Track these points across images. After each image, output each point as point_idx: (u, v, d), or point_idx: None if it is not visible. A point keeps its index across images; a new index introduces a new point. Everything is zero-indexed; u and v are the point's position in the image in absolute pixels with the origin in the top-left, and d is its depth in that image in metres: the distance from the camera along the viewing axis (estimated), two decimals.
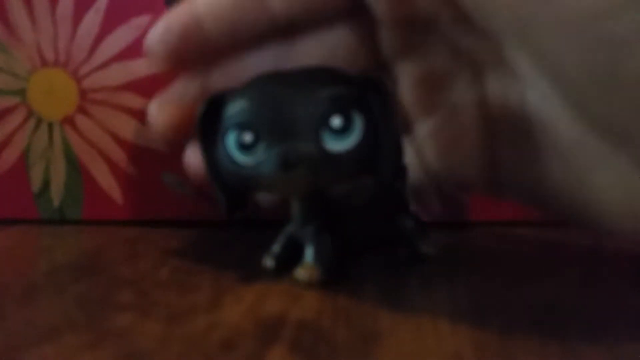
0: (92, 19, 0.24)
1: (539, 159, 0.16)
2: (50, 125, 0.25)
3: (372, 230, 0.19)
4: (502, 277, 0.18)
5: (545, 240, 0.22)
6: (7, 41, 0.25)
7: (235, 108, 0.15)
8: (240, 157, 0.15)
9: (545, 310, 0.15)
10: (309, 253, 0.17)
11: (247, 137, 0.15)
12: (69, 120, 0.25)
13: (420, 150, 0.19)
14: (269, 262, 0.18)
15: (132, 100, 0.25)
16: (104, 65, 0.24)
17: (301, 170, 0.14)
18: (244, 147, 0.15)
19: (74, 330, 0.14)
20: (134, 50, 0.24)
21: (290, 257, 0.18)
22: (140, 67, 0.24)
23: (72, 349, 0.13)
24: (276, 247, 0.18)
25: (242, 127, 0.15)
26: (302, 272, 0.17)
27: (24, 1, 0.24)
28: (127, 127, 0.25)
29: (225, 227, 0.24)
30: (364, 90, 0.15)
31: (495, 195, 0.19)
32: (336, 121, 0.14)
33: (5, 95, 0.25)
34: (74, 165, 0.26)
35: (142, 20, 0.24)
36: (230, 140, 0.15)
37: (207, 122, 0.16)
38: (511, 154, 0.17)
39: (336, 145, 0.15)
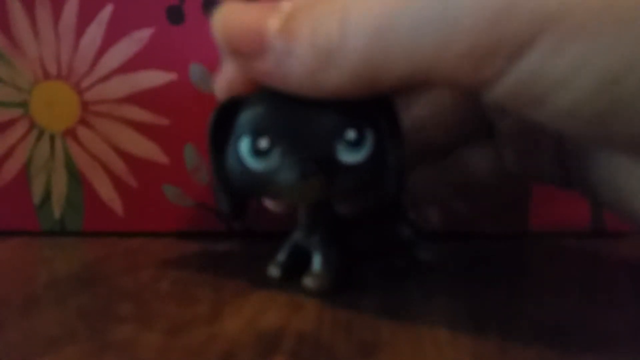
0: (95, 32, 0.24)
1: (597, 161, 0.17)
2: (52, 137, 0.25)
3: (373, 239, 0.19)
4: (501, 287, 0.18)
5: (544, 250, 0.22)
6: (9, 53, 0.25)
7: (251, 114, 0.15)
8: (253, 163, 0.15)
9: (544, 320, 0.15)
10: (317, 261, 0.17)
11: (263, 143, 0.15)
12: (70, 133, 0.25)
13: (499, 147, 0.20)
14: (274, 271, 0.18)
15: (134, 112, 0.25)
16: (106, 77, 0.25)
17: (318, 180, 0.15)
18: (259, 153, 0.15)
19: (75, 342, 0.14)
20: (135, 62, 0.24)
21: (296, 266, 0.18)
22: (142, 80, 0.24)
23: None
24: (281, 256, 0.18)
25: (258, 132, 0.15)
26: (311, 281, 0.17)
27: (27, 14, 0.25)
28: (128, 140, 0.25)
29: (226, 239, 0.24)
30: (374, 109, 0.16)
31: (566, 188, 0.19)
32: (351, 134, 0.15)
33: (8, 107, 0.25)
34: (75, 177, 0.26)
35: (144, 33, 0.24)
36: (244, 145, 0.15)
37: (218, 128, 0.16)
38: (575, 154, 0.18)
39: (349, 157, 0.15)
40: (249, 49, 0.14)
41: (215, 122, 0.16)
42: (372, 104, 0.15)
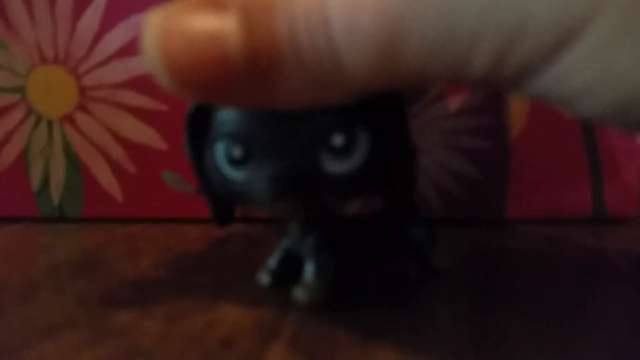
0: (92, 16, 0.24)
1: None
2: (49, 123, 0.25)
3: (378, 242, 0.17)
4: (502, 275, 0.18)
5: (545, 237, 0.22)
6: (6, 38, 0.25)
7: (226, 115, 0.13)
8: (230, 172, 0.13)
9: (545, 308, 0.15)
10: (308, 270, 0.15)
11: (237, 152, 0.13)
12: (68, 118, 0.25)
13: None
14: (264, 278, 0.17)
15: (132, 97, 0.25)
16: (104, 62, 0.24)
17: (292, 201, 0.13)
18: (234, 162, 0.13)
19: (74, 328, 0.14)
20: (133, 47, 0.24)
21: (288, 272, 0.16)
22: (140, 65, 0.24)
23: (71, 346, 0.13)
24: (272, 262, 0.17)
25: (232, 139, 0.13)
26: (302, 292, 0.15)
27: None
28: (127, 125, 0.25)
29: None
30: (370, 105, 0.13)
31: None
32: (337, 140, 0.13)
33: (5, 92, 0.25)
34: (74, 163, 0.26)
35: (142, 17, 0.24)
36: (220, 151, 0.14)
37: (197, 124, 0.14)
38: None
39: (337, 167, 0.13)
40: (204, 80, 0.10)
41: (192, 120, 0.14)
42: (368, 99, 0.12)
